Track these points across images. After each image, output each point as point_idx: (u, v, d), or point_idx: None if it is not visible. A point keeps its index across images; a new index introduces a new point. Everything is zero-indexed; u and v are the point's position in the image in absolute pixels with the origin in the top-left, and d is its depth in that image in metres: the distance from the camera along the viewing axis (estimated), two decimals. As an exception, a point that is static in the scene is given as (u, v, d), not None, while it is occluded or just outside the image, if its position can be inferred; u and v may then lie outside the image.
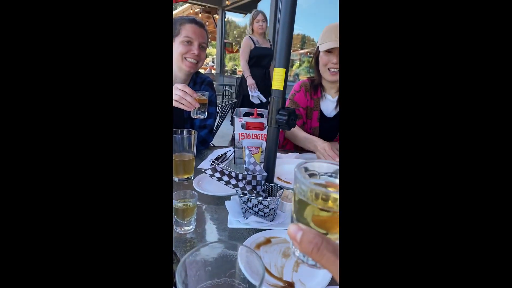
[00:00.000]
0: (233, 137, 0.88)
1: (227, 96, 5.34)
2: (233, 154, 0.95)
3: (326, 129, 1.14)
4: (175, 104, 0.84)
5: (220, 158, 0.92)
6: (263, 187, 0.61)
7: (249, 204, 0.56)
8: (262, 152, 0.91)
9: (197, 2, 6.36)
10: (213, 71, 7.44)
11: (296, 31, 4.99)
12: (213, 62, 8.46)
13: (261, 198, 0.54)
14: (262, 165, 0.73)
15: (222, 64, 6.98)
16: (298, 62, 5.11)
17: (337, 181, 0.28)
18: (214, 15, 7.06)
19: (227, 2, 6.19)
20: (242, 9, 6.55)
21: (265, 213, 0.57)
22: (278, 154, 1.03)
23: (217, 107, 2.06)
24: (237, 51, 7.76)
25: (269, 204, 0.55)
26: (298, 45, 5.08)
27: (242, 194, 0.55)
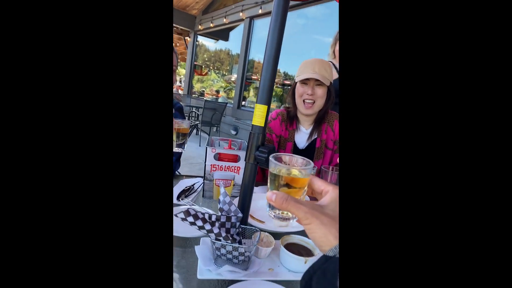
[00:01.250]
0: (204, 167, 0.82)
1: (193, 118, 5.23)
2: (202, 186, 0.89)
3: None
4: None
5: (188, 191, 0.85)
6: (237, 230, 0.56)
7: (223, 251, 0.51)
8: (233, 185, 0.86)
9: (170, 22, 6.36)
10: (180, 91, 7.33)
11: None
12: (180, 82, 8.37)
13: (236, 245, 0.49)
14: (235, 201, 0.69)
15: (190, 85, 6.94)
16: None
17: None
18: (186, 37, 7.12)
19: (200, 27, 6.31)
20: (214, 35, 6.71)
21: (240, 260, 0.52)
22: (249, 187, 0.99)
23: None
24: (206, 73, 7.82)
25: (245, 252, 0.50)
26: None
27: (215, 240, 0.49)
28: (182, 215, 0.46)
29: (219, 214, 0.56)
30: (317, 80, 1.07)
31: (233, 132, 4.54)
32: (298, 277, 0.52)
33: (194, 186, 0.90)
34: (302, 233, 0.69)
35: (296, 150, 1.17)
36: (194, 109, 5.31)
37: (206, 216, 0.53)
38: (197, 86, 7.73)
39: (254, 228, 0.58)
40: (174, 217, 0.68)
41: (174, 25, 6.49)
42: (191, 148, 4.13)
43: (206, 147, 0.84)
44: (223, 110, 4.68)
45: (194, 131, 5.25)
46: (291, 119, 1.17)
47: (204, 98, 6.00)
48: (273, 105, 4.91)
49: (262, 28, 4.91)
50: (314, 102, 1.08)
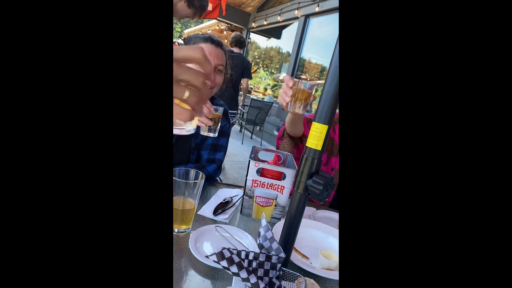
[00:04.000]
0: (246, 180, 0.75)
1: (238, 115, 5.28)
2: (241, 201, 0.82)
3: None
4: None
5: (225, 205, 0.79)
6: (277, 272, 0.47)
7: (258, 302, 0.42)
8: (275, 206, 0.77)
9: (225, 20, 6.50)
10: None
11: (314, 60, 5.00)
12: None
13: (276, 300, 0.40)
14: (274, 229, 0.59)
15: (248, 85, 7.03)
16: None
17: None
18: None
19: (253, 24, 6.31)
20: (267, 33, 6.66)
21: (278, 316, 0.42)
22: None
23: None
24: (255, 71, 7.82)
25: (286, 309, 0.41)
26: (317, 75, 5.06)
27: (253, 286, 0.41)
28: (214, 258, 0.38)
29: (258, 251, 0.47)
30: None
31: (276, 133, 4.45)
32: None
33: (232, 199, 0.83)
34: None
35: None
36: (239, 107, 5.35)
37: (243, 255, 0.45)
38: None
39: (297, 274, 0.48)
40: (209, 234, 0.61)
41: (228, 22, 6.61)
42: (233, 145, 4.16)
43: (249, 160, 0.75)
44: (268, 110, 4.61)
45: (238, 128, 5.29)
46: None
47: (251, 96, 6.01)
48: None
49: (318, 27, 4.69)
50: None
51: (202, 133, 0.79)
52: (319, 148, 0.50)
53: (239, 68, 2.66)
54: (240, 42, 2.72)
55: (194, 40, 0.88)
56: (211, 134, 0.79)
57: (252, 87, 7.71)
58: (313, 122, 0.51)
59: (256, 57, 8.18)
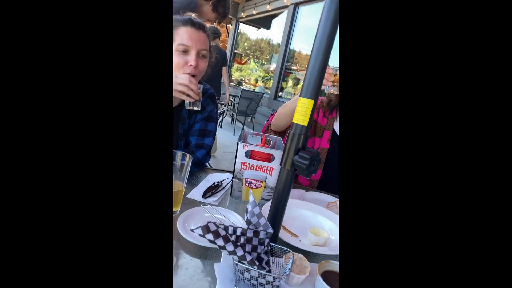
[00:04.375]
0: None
1: (229, 106, 5.24)
2: (230, 184, 0.81)
3: (337, 151, 1.02)
4: (176, 94, 0.79)
5: (215, 188, 0.78)
6: (266, 248, 0.47)
7: (246, 275, 0.42)
8: (264, 187, 0.77)
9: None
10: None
11: (305, 51, 4.97)
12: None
13: (263, 272, 0.40)
14: (265, 209, 0.59)
15: (229, 73, 6.94)
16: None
17: None
18: (228, 25, 7.07)
19: (242, 14, 6.21)
20: (256, 23, 6.57)
21: (266, 288, 0.42)
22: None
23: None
24: (245, 62, 7.74)
25: (273, 280, 0.41)
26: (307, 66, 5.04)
27: (239, 262, 0.41)
28: (200, 231, 0.38)
29: (246, 227, 0.47)
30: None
31: (268, 124, 4.44)
32: (337, 320, 0.42)
33: (222, 183, 0.83)
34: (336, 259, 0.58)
35: (336, 140, 1.02)
36: (230, 98, 5.30)
37: (230, 230, 0.44)
38: (235, 75, 7.71)
39: (285, 249, 0.48)
40: (197, 215, 0.61)
41: (217, 11, 6.46)
42: (225, 136, 4.14)
43: (238, 143, 0.75)
44: (259, 100, 4.59)
45: (229, 119, 5.26)
46: (331, 107, 1.03)
47: (241, 87, 5.96)
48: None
49: (307, 16, 4.65)
50: None
51: (187, 107, 0.85)
52: (306, 123, 0.50)
53: (220, 59, 2.79)
54: (216, 33, 2.83)
55: (173, 24, 0.84)
56: (195, 108, 0.84)
57: (243, 78, 7.65)
58: (299, 98, 0.51)
59: (246, 48, 8.09)
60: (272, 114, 1.07)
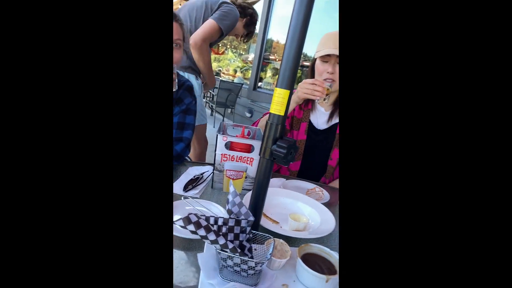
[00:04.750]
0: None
1: (208, 98, 5.15)
2: (211, 176, 0.81)
3: (314, 142, 1.04)
4: None
5: (196, 181, 0.78)
6: (247, 235, 0.48)
7: (229, 262, 0.43)
8: (245, 177, 0.78)
9: None
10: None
11: (283, 41, 4.96)
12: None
13: (245, 258, 0.42)
14: (246, 199, 0.60)
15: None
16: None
17: None
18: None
19: (218, 2, 6.03)
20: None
21: (249, 274, 0.44)
22: (263, 179, 0.91)
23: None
24: (223, 52, 7.59)
25: (255, 265, 0.42)
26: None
27: (222, 250, 0.42)
28: (181, 223, 0.38)
29: (227, 216, 0.48)
30: (339, 57, 0.93)
31: (248, 115, 4.44)
32: (317, 298, 0.44)
33: (203, 175, 0.83)
34: (323, 241, 0.61)
35: (313, 131, 1.04)
36: (209, 90, 5.21)
37: (212, 221, 0.45)
38: (213, 65, 7.56)
39: (266, 235, 0.50)
40: (178, 208, 0.61)
41: (191, 0, 6.24)
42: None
43: (217, 135, 0.75)
44: (238, 91, 4.55)
45: (209, 111, 5.18)
46: (306, 100, 1.04)
47: (220, 78, 5.87)
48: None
49: (284, 5, 4.62)
50: (334, 82, 0.95)
51: None
52: (282, 113, 0.51)
53: None
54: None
55: None
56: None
57: (221, 69, 7.52)
58: (275, 88, 0.51)
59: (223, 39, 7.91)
60: (262, 117, 1.08)
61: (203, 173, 0.84)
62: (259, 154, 0.54)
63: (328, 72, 0.94)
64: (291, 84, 0.51)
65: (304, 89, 0.90)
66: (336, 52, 0.91)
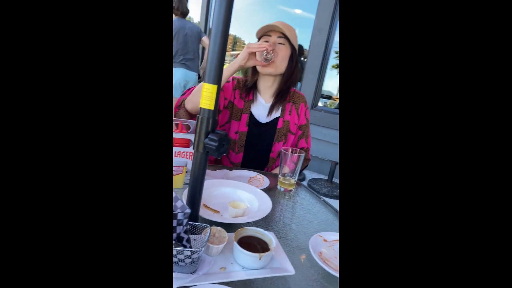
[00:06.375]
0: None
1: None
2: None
3: (255, 135, 1.07)
4: None
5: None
6: (185, 227, 0.50)
7: (166, 255, 0.45)
8: (186, 172, 0.79)
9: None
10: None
11: (244, 38, 4.91)
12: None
13: (180, 248, 0.43)
14: (185, 193, 0.62)
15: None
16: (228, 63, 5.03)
17: None
18: None
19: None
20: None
21: (186, 263, 0.46)
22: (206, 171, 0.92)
23: None
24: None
25: (192, 254, 0.45)
26: (229, 46, 5.01)
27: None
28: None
29: (163, 212, 0.49)
30: (280, 36, 0.96)
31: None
32: (253, 275, 0.49)
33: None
34: (258, 224, 0.66)
35: (254, 123, 1.06)
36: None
37: (145, 217, 0.46)
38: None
39: (203, 224, 0.52)
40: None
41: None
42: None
43: (152, 131, 0.73)
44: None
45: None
46: (248, 89, 1.06)
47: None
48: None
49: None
50: (275, 53, 0.97)
51: None
52: (212, 107, 0.53)
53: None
54: (185, 11, 2.68)
55: None
56: None
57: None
58: (203, 83, 0.53)
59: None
60: (189, 89, 1.05)
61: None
62: (193, 148, 0.55)
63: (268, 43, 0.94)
64: (217, 78, 0.53)
65: (250, 47, 0.91)
66: (278, 27, 0.94)
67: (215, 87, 0.52)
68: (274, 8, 4.43)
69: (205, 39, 2.68)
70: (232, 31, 4.85)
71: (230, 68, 0.95)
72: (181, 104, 1.00)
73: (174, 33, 2.52)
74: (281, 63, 0.99)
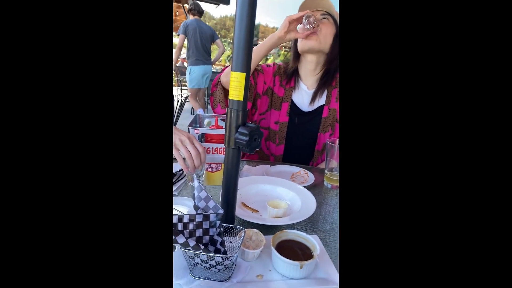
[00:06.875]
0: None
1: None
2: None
3: (297, 125, 0.98)
4: (177, 157, 0.66)
5: (174, 177, 0.76)
6: (218, 230, 0.47)
7: (197, 260, 0.42)
8: (225, 169, 0.76)
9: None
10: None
11: (272, 24, 4.81)
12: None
13: (211, 254, 0.40)
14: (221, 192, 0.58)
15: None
16: (272, 57, 4.94)
17: None
18: (185, 5, 6.66)
19: (198, -9, 5.85)
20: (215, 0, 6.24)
21: (219, 269, 0.42)
22: (246, 167, 0.89)
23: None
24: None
25: (223, 260, 0.41)
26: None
27: (192, 250, 0.40)
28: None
29: (194, 213, 0.46)
30: (324, 14, 0.86)
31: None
32: (293, 287, 0.43)
33: (182, 171, 0.81)
34: (301, 225, 0.59)
35: (296, 112, 0.97)
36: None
37: (175, 219, 0.43)
38: (202, 58, 7.40)
39: (237, 227, 0.48)
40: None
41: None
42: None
43: (188, 128, 0.72)
44: (229, 81, 4.48)
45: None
46: (289, 76, 0.97)
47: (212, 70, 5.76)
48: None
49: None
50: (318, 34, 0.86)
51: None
52: (241, 98, 0.48)
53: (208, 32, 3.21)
54: (201, 11, 3.21)
55: None
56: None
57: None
58: (231, 72, 0.48)
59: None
60: (226, 67, 1.01)
61: (182, 170, 0.82)
62: (224, 144, 0.51)
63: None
64: (247, 66, 0.47)
65: (290, 16, 0.81)
66: (320, 7, 0.85)
67: (243, 75, 0.47)
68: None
69: (218, 41, 3.22)
70: (275, 23, 4.74)
71: (268, 41, 0.87)
72: (217, 82, 0.95)
73: (191, 32, 3.03)
74: (325, 39, 0.88)
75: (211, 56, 3.40)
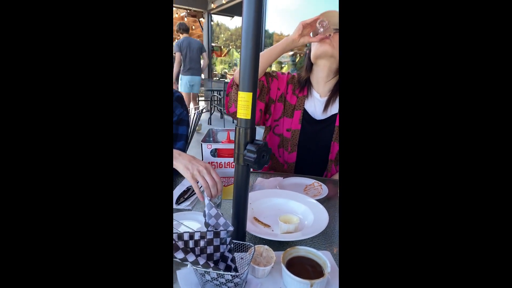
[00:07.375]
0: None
1: (215, 102, 5.19)
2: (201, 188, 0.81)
3: (309, 133, 0.98)
4: (194, 187, 0.67)
5: (187, 192, 0.78)
6: (229, 246, 0.47)
7: (208, 277, 0.42)
8: (237, 183, 0.77)
9: (182, 6, 6.20)
10: (202, 76, 7.26)
11: (286, 32, 4.87)
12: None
13: (221, 272, 0.40)
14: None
15: (210, 69, 6.82)
16: (287, 65, 4.96)
17: None
18: (201, 19, 6.91)
19: (212, 5, 6.05)
20: (229, 12, 6.41)
21: (229, 286, 0.43)
22: (259, 179, 0.89)
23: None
24: (226, 54, 7.61)
25: (233, 278, 0.41)
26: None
27: (202, 267, 0.41)
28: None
29: (205, 230, 0.47)
30: (336, 29, 0.86)
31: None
32: (303, 306, 0.42)
33: (197, 185, 0.83)
34: (314, 240, 0.59)
35: (309, 121, 0.97)
36: (215, 93, 5.25)
37: (186, 237, 0.45)
38: (218, 69, 7.59)
39: (247, 243, 0.48)
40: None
41: (186, 7, 6.31)
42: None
43: (201, 144, 0.74)
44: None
45: (218, 114, 5.22)
46: (302, 85, 0.98)
47: (225, 81, 5.88)
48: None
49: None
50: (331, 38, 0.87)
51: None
52: (249, 117, 0.49)
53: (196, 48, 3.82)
54: (186, 28, 3.79)
55: None
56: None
57: (226, 71, 7.54)
58: (239, 92, 0.50)
59: (226, 39, 7.92)
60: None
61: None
62: (233, 161, 0.52)
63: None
64: (253, 86, 0.49)
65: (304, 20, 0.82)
66: (335, 16, 0.84)
67: (250, 94, 0.48)
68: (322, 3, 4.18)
69: (204, 54, 3.87)
70: (286, 31, 4.79)
71: (281, 44, 0.88)
72: (233, 83, 0.96)
73: (184, 49, 3.65)
74: (338, 44, 0.88)
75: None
